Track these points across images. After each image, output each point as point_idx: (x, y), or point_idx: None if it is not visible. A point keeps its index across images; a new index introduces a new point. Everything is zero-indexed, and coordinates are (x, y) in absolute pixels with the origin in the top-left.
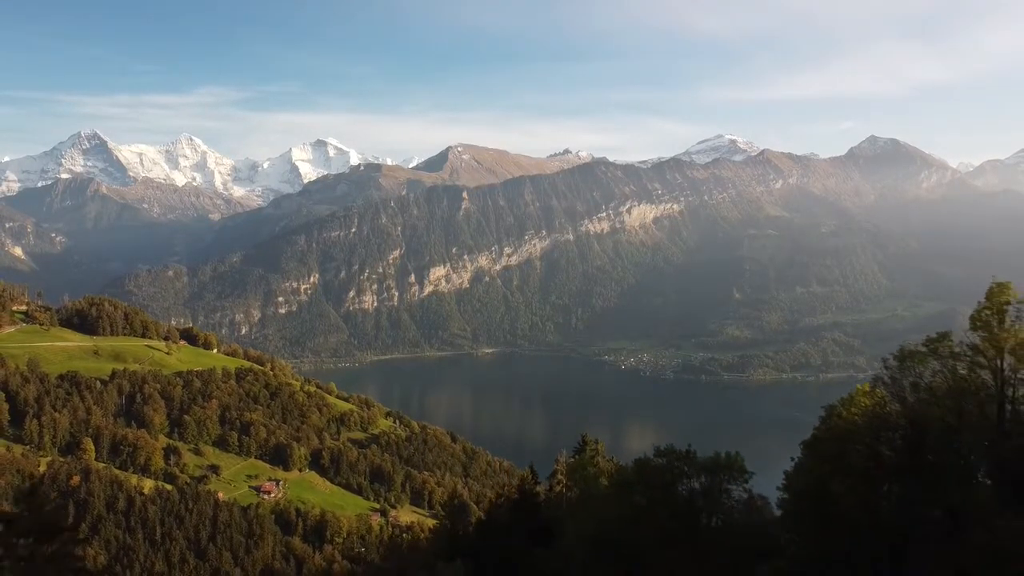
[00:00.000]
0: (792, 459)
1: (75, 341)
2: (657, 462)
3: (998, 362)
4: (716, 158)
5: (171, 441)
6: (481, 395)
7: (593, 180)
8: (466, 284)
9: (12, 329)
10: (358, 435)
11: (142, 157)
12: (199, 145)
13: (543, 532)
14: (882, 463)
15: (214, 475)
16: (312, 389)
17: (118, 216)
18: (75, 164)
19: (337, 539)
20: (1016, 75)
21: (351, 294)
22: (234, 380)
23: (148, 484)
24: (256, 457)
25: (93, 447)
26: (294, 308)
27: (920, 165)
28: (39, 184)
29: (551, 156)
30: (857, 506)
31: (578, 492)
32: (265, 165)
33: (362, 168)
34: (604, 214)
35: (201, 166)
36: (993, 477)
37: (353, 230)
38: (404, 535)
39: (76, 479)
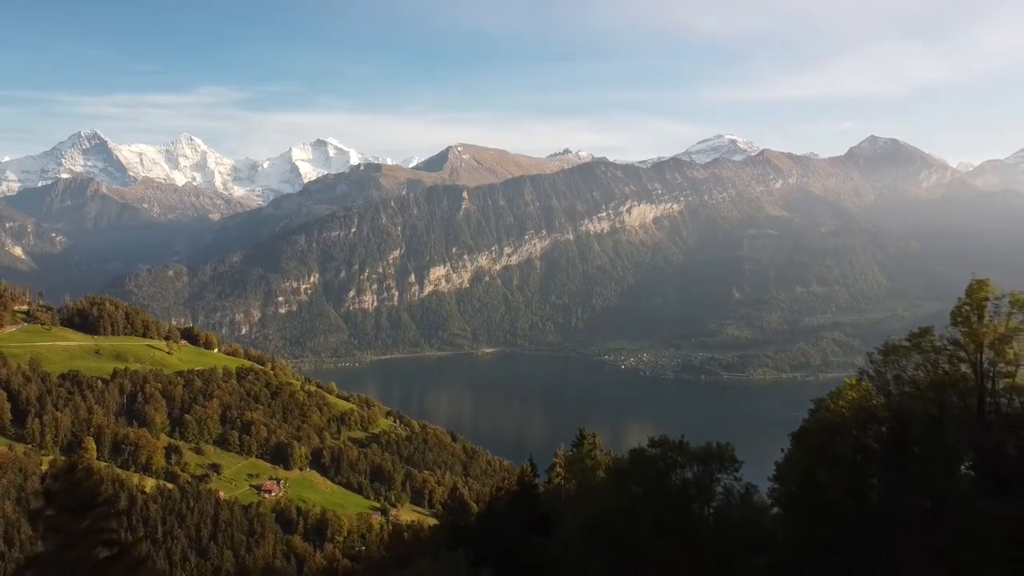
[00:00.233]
0: (782, 451)
1: (76, 341)
2: (651, 452)
3: (978, 356)
4: (716, 158)
5: (172, 440)
6: (481, 395)
7: (593, 180)
8: (466, 284)
9: (13, 329)
10: (358, 434)
11: (142, 157)
12: (199, 145)
13: (542, 523)
14: (868, 454)
15: (215, 474)
16: (312, 389)
17: (118, 216)
18: (75, 164)
19: (338, 538)
20: (1016, 75)
21: (351, 294)
22: (235, 380)
23: (149, 483)
24: (257, 456)
25: (95, 446)
26: (294, 308)
27: (920, 165)
28: (39, 184)
29: (551, 156)
30: (843, 495)
31: (576, 484)
32: (265, 165)
33: (362, 168)
34: (604, 214)
35: (201, 166)
36: (975, 468)
37: (353, 230)
38: (406, 532)
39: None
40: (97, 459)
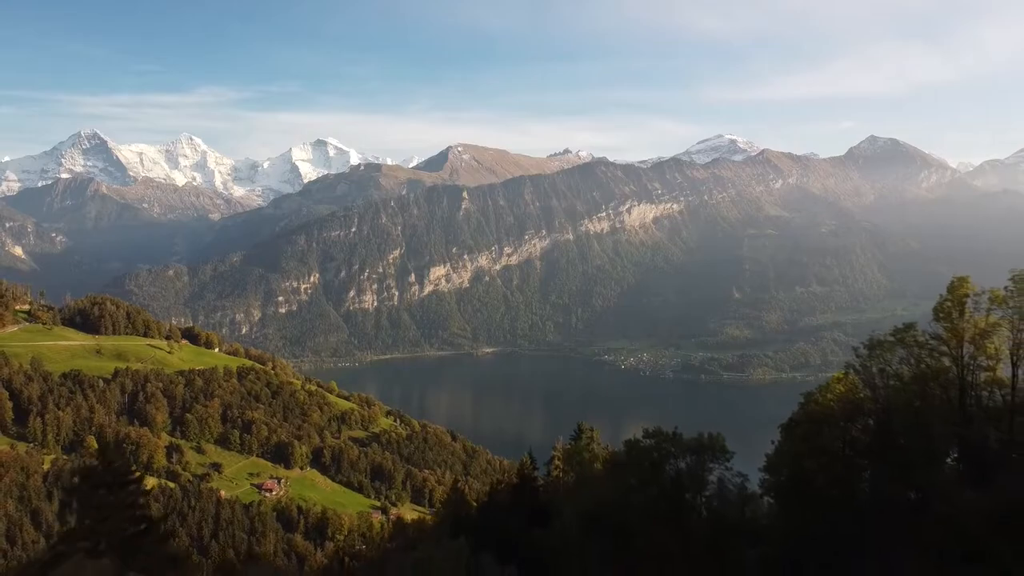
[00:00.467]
0: (772, 443)
1: (78, 340)
2: (646, 443)
3: (959, 350)
4: (716, 158)
5: (173, 439)
6: (481, 394)
7: (593, 180)
8: (466, 284)
9: (15, 328)
10: (359, 433)
11: (142, 157)
12: (199, 145)
13: (541, 514)
14: (855, 445)
15: (216, 473)
16: (313, 388)
17: (118, 216)
18: (75, 164)
19: (338, 536)
20: (1016, 75)
21: (351, 294)
22: (236, 379)
23: (151, 482)
24: (258, 455)
25: (96, 445)
26: (294, 308)
27: (920, 165)
28: (39, 184)
29: (551, 156)
30: (830, 484)
31: (574, 476)
32: (265, 165)
33: (362, 168)
34: (604, 214)
35: (201, 166)
36: (959, 459)
37: (353, 230)
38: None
39: None
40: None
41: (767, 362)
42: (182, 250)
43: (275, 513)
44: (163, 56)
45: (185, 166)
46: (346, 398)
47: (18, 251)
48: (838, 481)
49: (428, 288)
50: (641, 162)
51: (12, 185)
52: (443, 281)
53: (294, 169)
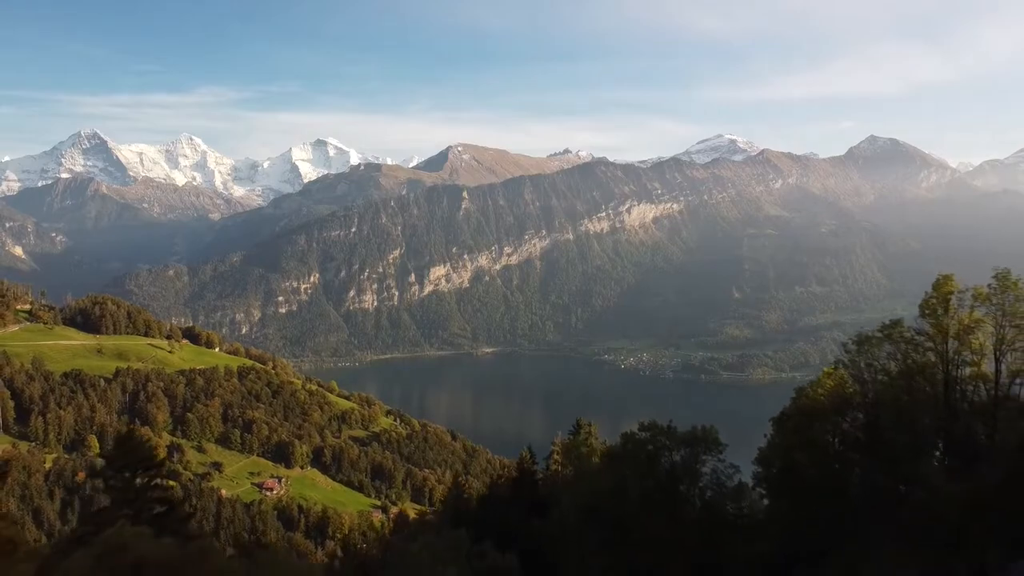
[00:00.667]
0: (765, 436)
1: (79, 340)
2: (641, 435)
3: (944, 345)
4: (716, 158)
5: (174, 438)
6: (481, 394)
7: (593, 180)
8: (466, 284)
9: (16, 328)
10: (359, 433)
11: (142, 157)
12: (199, 145)
13: (541, 506)
14: (844, 438)
15: (217, 472)
16: (313, 387)
17: (118, 216)
18: (75, 164)
19: (339, 535)
20: (1016, 75)
21: (351, 294)
22: (236, 378)
23: None
24: (258, 454)
25: (97, 444)
26: (294, 308)
27: (920, 165)
28: (39, 184)
29: (551, 156)
30: (819, 475)
31: (573, 470)
32: (265, 165)
33: (362, 168)
34: (604, 214)
35: (201, 166)
36: (945, 451)
37: (353, 230)
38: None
39: (81, 475)
40: (100, 457)
41: (767, 362)
42: (182, 250)
43: (276, 512)
44: (163, 56)
45: (185, 166)
46: (346, 398)
47: (18, 251)
48: (828, 473)
49: (428, 288)
50: (641, 162)
51: (12, 185)
52: (443, 281)
53: (294, 169)
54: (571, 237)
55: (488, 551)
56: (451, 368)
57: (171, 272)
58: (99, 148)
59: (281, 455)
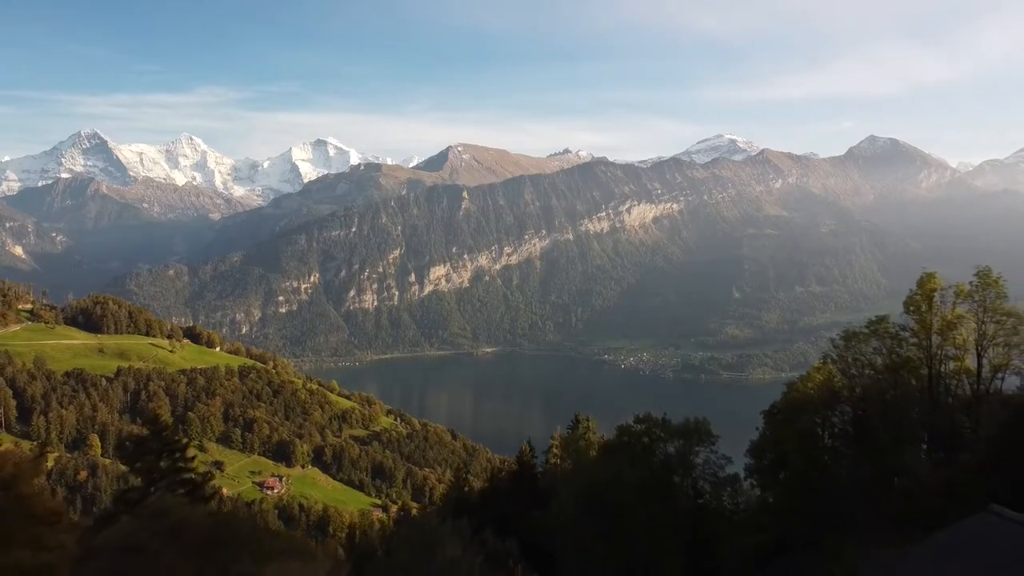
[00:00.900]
0: (757, 428)
1: (80, 339)
2: (636, 427)
3: (928, 341)
4: (716, 158)
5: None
6: (481, 394)
7: (593, 180)
8: (466, 283)
9: (18, 327)
10: (360, 432)
11: (142, 156)
12: (199, 144)
13: (540, 499)
14: (832, 430)
15: (218, 471)
16: (314, 387)
17: (118, 215)
18: (75, 164)
19: (339, 534)
20: (1016, 75)
21: (351, 293)
22: (237, 378)
23: None
24: (259, 454)
25: (99, 443)
26: (294, 307)
27: (920, 165)
28: (39, 184)
29: (551, 156)
30: (808, 466)
31: (571, 463)
32: (265, 165)
33: (362, 168)
34: (604, 214)
35: (201, 165)
36: (929, 442)
37: (353, 229)
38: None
39: (83, 474)
40: (102, 455)
41: (767, 362)
42: (182, 250)
43: (276, 511)
44: (163, 56)
45: (185, 166)
46: (347, 397)
47: (18, 251)
48: (817, 464)
49: (428, 288)
50: (641, 162)
51: (12, 185)
52: (443, 281)
53: (294, 169)
54: (571, 237)
55: (488, 539)
56: (451, 368)
57: (171, 272)
58: (99, 148)
59: (282, 454)
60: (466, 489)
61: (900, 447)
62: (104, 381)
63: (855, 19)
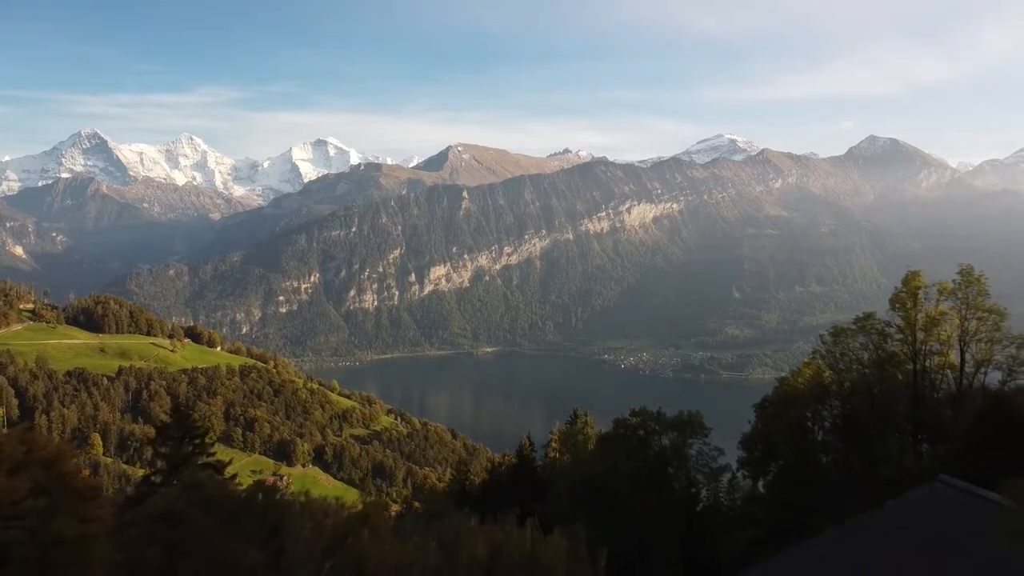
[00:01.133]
0: (748, 422)
1: (81, 339)
2: (632, 420)
3: (912, 336)
4: (716, 158)
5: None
6: (481, 393)
7: (593, 180)
8: (466, 283)
9: (19, 327)
10: (360, 431)
11: (142, 156)
12: (199, 144)
13: (540, 492)
14: (821, 423)
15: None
16: (314, 386)
17: (119, 215)
18: (75, 163)
19: None
20: (1016, 75)
21: (351, 293)
22: (238, 377)
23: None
24: (260, 453)
25: (101, 442)
26: (295, 307)
27: (920, 165)
28: (39, 183)
29: (551, 155)
30: (798, 458)
31: (569, 456)
32: (265, 164)
33: (362, 167)
34: (604, 213)
35: (201, 165)
36: (913, 435)
37: (353, 229)
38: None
39: (85, 473)
40: (103, 455)
41: (767, 362)
42: (182, 250)
43: None
44: (163, 56)
45: (185, 166)
46: (347, 397)
47: (19, 251)
48: (807, 457)
49: (428, 288)
50: (641, 162)
51: (12, 185)
52: (443, 281)
53: (294, 169)
54: (571, 237)
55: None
56: (451, 368)
57: (172, 272)
58: (99, 148)
59: (283, 453)
60: (467, 483)
61: (886, 439)
62: (105, 380)
63: (855, 19)
